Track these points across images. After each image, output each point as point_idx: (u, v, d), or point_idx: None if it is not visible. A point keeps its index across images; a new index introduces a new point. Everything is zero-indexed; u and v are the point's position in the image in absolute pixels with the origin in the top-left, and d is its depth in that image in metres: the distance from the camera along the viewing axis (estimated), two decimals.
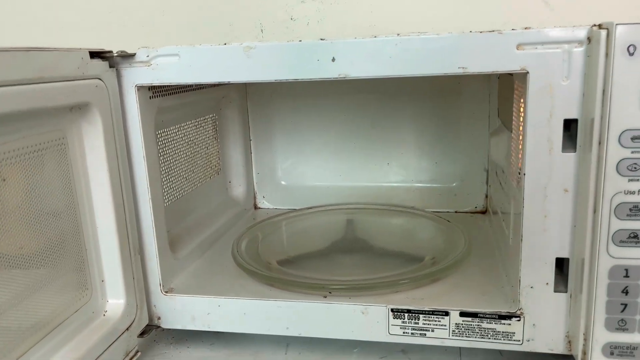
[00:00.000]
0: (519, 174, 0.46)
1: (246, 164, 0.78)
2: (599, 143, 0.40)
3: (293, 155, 0.81)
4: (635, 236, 0.40)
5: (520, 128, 0.46)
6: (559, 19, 0.72)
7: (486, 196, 0.75)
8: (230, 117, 0.75)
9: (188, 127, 0.65)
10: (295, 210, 0.75)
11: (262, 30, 0.82)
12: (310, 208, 0.75)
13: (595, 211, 0.41)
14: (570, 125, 0.42)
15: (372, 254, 0.62)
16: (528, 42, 0.41)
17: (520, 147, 0.46)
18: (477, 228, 0.69)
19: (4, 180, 0.39)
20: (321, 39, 0.45)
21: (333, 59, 0.45)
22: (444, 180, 0.77)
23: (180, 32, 0.82)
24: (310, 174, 0.81)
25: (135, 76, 0.49)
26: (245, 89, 0.78)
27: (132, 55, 0.48)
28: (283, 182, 0.82)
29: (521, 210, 0.45)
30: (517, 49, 0.42)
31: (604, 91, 0.39)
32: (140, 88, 0.49)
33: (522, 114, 0.45)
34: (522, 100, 0.45)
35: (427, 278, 0.53)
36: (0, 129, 0.38)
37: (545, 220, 0.44)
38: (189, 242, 0.62)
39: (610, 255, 0.41)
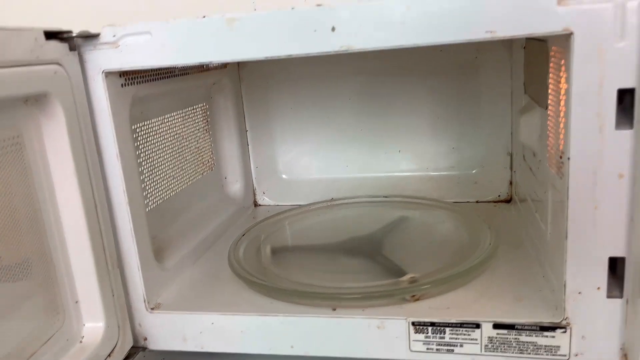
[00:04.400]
0: (561, 158, 0.39)
1: (243, 158, 0.71)
2: None
3: (294, 145, 0.74)
4: None
5: (562, 103, 0.38)
6: None
7: (510, 183, 0.67)
8: (223, 105, 0.67)
9: (174, 119, 0.58)
10: (297, 207, 0.68)
11: (254, 10, 0.74)
12: (313, 204, 0.68)
13: None
14: (624, 97, 0.35)
15: (386, 255, 0.55)
16: None
17: (561, 126, 0.38)
18: (502, 219, 0.62)
19: None
20: (318, 5, 0.37)
21: (333, 29, 0.37)
22: (462, 167, 0.70)
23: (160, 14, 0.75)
24: (314, 166, 0.74)
25: (102, 60, 0.41)
26: (238, 73, 0.70)
27: (96, 36, 0.41)
28: (284, 176, 0.75)
29: (565, 201, 0.37)
30: (559, 5, 0.34)
31: None
32: (108, 74, 0.42)
33: (564, 86, 0.37)
34: (562, 70, 0.38)
35: (451, 282, 0.46)
36: None
37: (596, 212, 0.37)
38: (180, 248, 0.55)
39: None
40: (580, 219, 0.37)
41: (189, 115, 0.61)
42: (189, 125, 0.61)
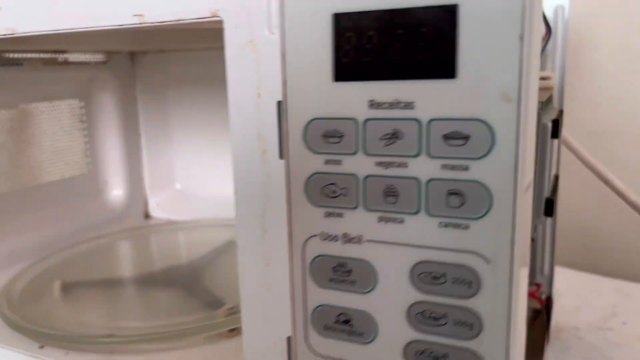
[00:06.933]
0: None
1: (130, 163, 0.66)
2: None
3: (195, 155, 0.67)
4: None
5: None
6: None
7: None
8: (106, 104, 0.63)
9: (11, 114, 0.54)
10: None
11: None
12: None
13: None
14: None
15: (194, 292, 0.46)
16: None
17: None
18: None
19: None
20: None
21: None
22: None
23: None
24: (214, 180, 0.66)
25: None
26: (131, 70, 0.65)
27: None
28: (179, 187, 0.68)
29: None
30: None
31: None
32: None
33: None
34: None
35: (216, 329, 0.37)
36: None
37: (267, 268, 0.26)
38: None
39: None
40: (250, 286, 0.26)
41: (42, 111, 0.57)
42: (43, 122, 0.57)
